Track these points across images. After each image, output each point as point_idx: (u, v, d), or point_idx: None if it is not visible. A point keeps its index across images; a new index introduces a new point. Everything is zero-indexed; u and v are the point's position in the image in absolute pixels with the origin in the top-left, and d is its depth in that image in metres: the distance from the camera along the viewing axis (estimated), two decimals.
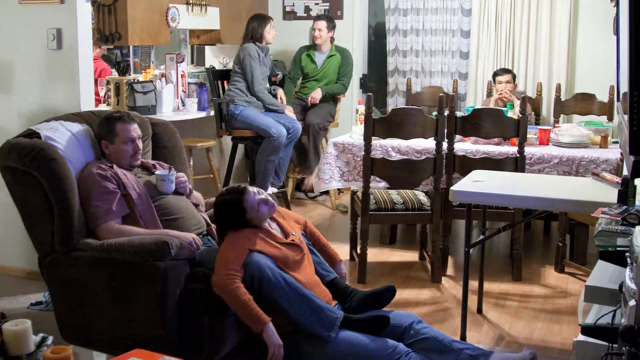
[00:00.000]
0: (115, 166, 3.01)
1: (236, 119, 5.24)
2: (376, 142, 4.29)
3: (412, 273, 4.25)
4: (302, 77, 5.98)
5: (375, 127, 3.95)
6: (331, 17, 6.01)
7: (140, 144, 3.12)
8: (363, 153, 4.00)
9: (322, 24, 5.78)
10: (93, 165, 2.99)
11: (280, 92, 5.64)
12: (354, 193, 4.47)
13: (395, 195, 4.25)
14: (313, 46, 5.91)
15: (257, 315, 2.68)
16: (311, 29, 5.92)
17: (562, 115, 5.41)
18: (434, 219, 4.08)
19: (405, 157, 4.25)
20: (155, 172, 3.14)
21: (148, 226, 2.93)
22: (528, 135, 4.12)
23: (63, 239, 2.84)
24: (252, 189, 2.93)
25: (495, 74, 5.27)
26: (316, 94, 5.71)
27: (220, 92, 5.49)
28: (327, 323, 2.75)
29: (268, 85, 5.59)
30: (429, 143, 4.23)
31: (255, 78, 5.21)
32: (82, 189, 2.92)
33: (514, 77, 5.27)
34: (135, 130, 3.09)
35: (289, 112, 5.42)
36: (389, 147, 4.38)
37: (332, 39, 5.88)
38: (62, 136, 3.03)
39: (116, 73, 5.04)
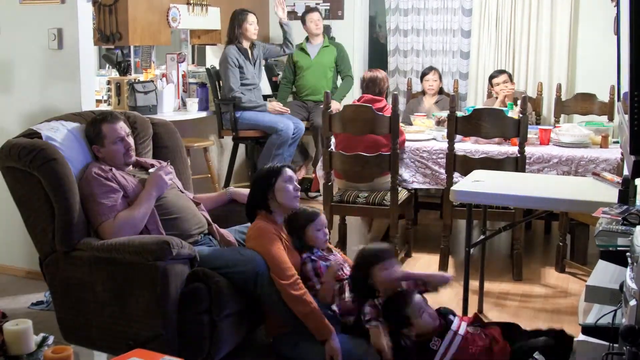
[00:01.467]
0: (113, 169, 3.00)
1: (240, 121, 5.23)
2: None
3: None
4: (295, 73, 5.90)
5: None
6: (317, 7, 5.99)
7: (130, 140, 3.10)
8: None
9: (317, 15, 5.79)
10: (94, 166, 2.99)
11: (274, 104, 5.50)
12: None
13: (363, 192, 4.30)
14: (306, 39, 5.88)
15: (325, 323, 2.70)
16: (305, 23, 5.81)
17: (562, 115, 5.41)
18: (391, 214, 4.13)
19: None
20: (149, 171, 3.13)
21: (148, 226, 2.92)
22: (528, 135, 4.11)
23: (63, 239, 2.84)
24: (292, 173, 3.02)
25: (491, 77, 5.30)
26: (335, 105, 5.34)
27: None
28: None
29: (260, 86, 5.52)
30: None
31: (229, 85, 5.17)
32: (84, 189, 2.92)
33: (510, 76, 5.29)
34: (122, 128, 3.07)
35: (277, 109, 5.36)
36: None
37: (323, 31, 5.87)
38: (62, 136, 3.03)
39: (117, 73, 5.04)
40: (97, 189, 2.90)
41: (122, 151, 3.04)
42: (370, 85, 4.37)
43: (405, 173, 4.37)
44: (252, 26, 5.28)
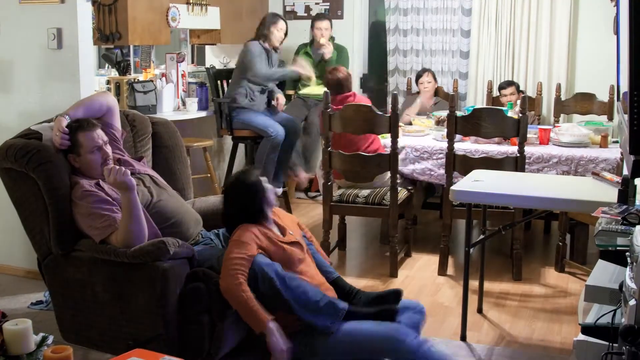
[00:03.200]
0: (100, 182, 2.89)
1: (234, 120, 5.24)
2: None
3: (412, 272, 4.25)
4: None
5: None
6: (327, 14, 5.96)
7: (108, 149, 2.93)
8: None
9: (327, 24, 5.75)
10: (78, 184, 2.85)
11: (279, 96, 5.52)
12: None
13: (363, 191, 4.31)
14: (310, 44, 5.86)
15: (258, 314, 2.64)
16: (313, 28, 5.80)
17: (562, 115, 5.41)
18: (390, 214, 4.14)
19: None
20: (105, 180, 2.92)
21: (148, 236, 2.88)
22: (528, 135, 4.12)
23: (58, 241, 2.83)
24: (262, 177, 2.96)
25: (500, 87, 5.41)
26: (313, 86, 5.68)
27: (221, 91, 5.49)
28: (332, 311, 2.71)
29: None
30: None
31: (257, 70, 5.15)
32: (80, 208, 2.81)
33: (518, 87, 5.34)
34: (99, 136, 2.90)
35: (300, 68, 5.45)
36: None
37: (331, 37, 5.86)
38: None
39: (117, 72, 5.04)
40: (95, 203, 2.80)
41: (99, 161, 2.89)
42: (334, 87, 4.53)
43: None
44: (279, 32, 5.28)
